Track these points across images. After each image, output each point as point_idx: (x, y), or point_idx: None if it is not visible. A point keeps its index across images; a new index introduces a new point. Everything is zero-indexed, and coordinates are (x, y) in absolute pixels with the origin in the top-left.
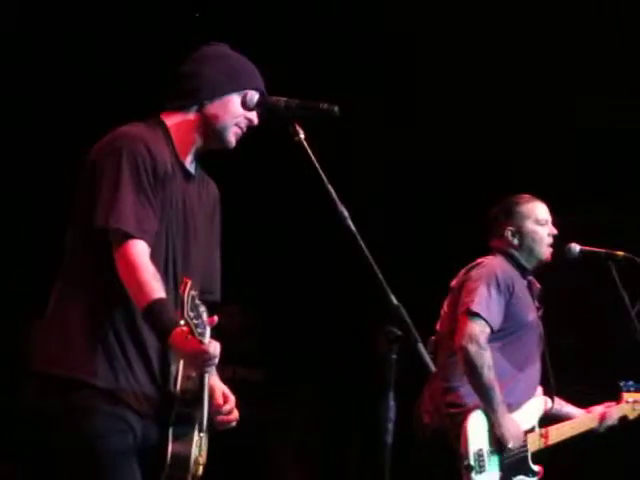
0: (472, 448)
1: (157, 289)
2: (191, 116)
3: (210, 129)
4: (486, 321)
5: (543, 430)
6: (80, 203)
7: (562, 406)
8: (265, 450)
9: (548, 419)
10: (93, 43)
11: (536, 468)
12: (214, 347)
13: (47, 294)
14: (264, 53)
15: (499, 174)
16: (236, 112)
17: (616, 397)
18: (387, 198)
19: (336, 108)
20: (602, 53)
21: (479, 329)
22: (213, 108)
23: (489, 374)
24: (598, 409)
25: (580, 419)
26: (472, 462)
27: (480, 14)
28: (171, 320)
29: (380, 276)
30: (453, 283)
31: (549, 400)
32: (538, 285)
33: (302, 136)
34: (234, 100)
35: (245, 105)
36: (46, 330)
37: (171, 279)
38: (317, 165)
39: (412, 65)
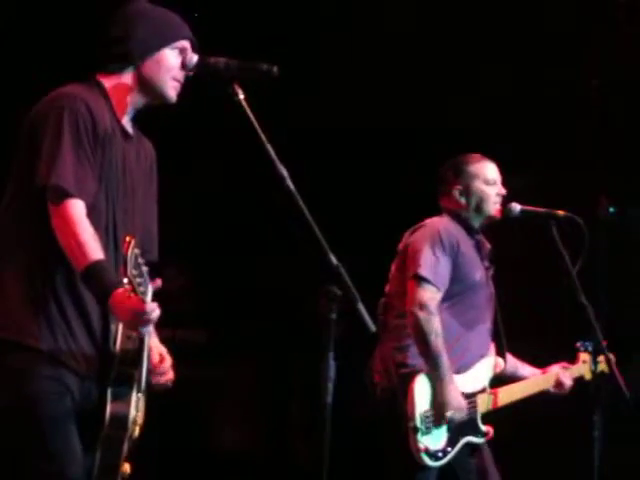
0: (418, 409)
1: (96, 250)
2: (128, 78)
3: (149, 88)
4: (435, 286)
5: (493, 391)
6: (19, 161)
7: (517, 367)
8: (205, 411)
9: (502, 380)
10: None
11: (484, 429)
12: (153, 307)
13: None
14: None
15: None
16: (170, 66)
17: (573, 357)
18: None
19: (275, 68)
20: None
21: (429, 295)
22: (147, 67)
23: (437, 341)
24: (553, 369)
25: (532, 380)
26: (418, 424)
27: None
28: (111, 281)
29: (320, 236)
30: (400, 246)
31: (501, 360)
32: (488, 245)
33: (242, 96)
34: (166, 54)
35: (184, 66)
36: None
37: (111, 239)
38: (256, 125)
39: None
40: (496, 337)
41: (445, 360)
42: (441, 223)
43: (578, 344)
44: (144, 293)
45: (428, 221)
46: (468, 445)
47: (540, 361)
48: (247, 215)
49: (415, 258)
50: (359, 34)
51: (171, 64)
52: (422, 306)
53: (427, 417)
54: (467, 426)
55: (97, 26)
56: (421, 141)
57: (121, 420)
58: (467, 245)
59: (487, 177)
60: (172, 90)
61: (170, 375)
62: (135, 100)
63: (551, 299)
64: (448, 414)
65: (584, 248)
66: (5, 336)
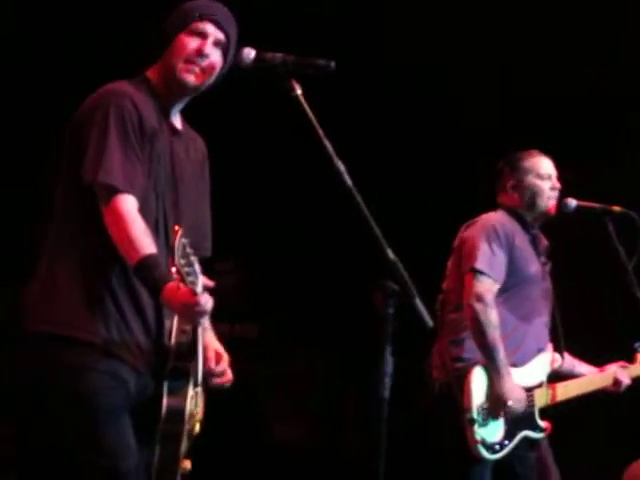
0: (475, 402)
1: (147, 244)
2: (160, 70)
3: (169, 77)
4: (492, 278)
5: (550, 386)
6: (68, 159)
7: (574, 365)
8: (259, 406)
9: (558, 376)
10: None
11: (543, 424)
12: (206, 299)
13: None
14: None
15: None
16: (182, 50)
17: (630, 356)
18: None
19: (332, 64)
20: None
21: (485, 287)
22: (167, 56)
23: (494, 333)
24: (611, 368)
25: (589, 378)
26: (475, 415)
27: None
28: (162, 276)
29: (377, 231)
30: (455, 242)
31: (559, 357)
32: (545, 242)
33: (299, 92)
34: (181, 39)
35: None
36: (37, 289)
37: (162, 234)
38: (314, 121)
39: None
40: (554, 333)
41: (502, 352)
42: (496, 217)
43: (636, 344)
44: (193, 283)
45: (483, 216)
46: (526, 440)
47: (596, 357)
48: (302, 211)
49: (471, 252)
50: None
51: (183, 48)
52: (479, 298)
53: (484, 409)
54: (525, 420)
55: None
56: (476, 141)
57: (178, 414)
58: (522, 239)
59: (540, 172)
60: (187, 74)
61: (228, 375)
62: (168, 91)
63: (607, 295)
64: (509, 403)
65: None
66: (60, 331)
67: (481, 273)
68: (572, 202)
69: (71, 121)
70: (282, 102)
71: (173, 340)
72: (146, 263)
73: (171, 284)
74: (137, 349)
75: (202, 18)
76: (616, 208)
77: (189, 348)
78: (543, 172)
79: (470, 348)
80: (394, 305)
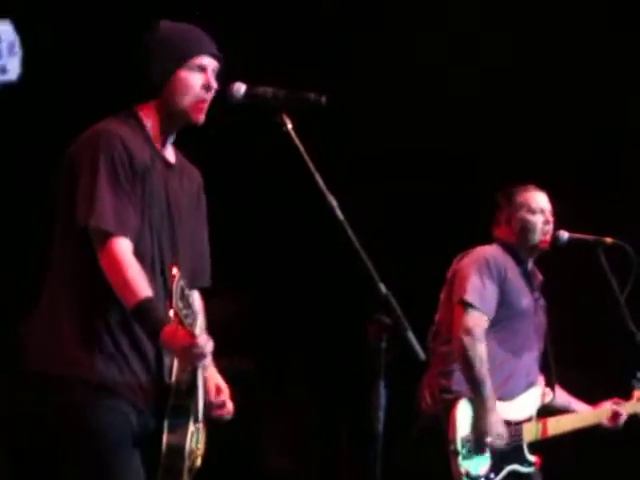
0: (459, 434)
1: (143, 287)
2: (156, 106)
3: (173, 113)
4: (482, 311)
5: (541, 421)
6: (61, 201)
7: (570, 402)
8: (253, 440)
9: (551, 411)
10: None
11: (532, 458)
12: (205, 340)
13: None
14: None
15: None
16: (188, 87)
17: (625, 392)
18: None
19: (323, 98)
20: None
21: (475, 321)
22: (168, 92)
23: (481, 367)
24: (605, 406)
25: (582, 413)
26: (459, 447)
27: None
28: (160, 319)
29: (369, 264)
30: (448, 273)
31: (549, 390)
32: (540, 277)
33: (290, 126)
34: (183, 76)
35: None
36: (38, 328)
37: (158, 272)
38: (305, 155)
39: None
40: (546, 367)
41: (489, 387)
42: (489, 250)
43: (633, 380)
44: (192, 325)
45: (477, 248)
46: (515, 474)
47: (589, 390)
48: (296, 244)
49: (462, 284)
50: None
51: (189, 85)
52: (468, 331)
53: (468, 442)
54: (512, 454)
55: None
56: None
57: (177, 450)
58: (515, 273)
59: (532, 206)
60: (196, 112)
61: (229, 408)
62: (167, 127)
63: (600, 327)
64: (488, 440)
65: (632, 275)
66: (63, 371)
67: (471, 306)
68: (564, 234)
69: (64, 160)
70: (274, 135)
71: (173, 378)
72: (143, 306)
73: (169, 326)
74: (138, 387)
75: (202, 53)
76: (608, 239)
77: (189, 386)
78: (535, 206)
79: (459, 380)
80: (387, 338)
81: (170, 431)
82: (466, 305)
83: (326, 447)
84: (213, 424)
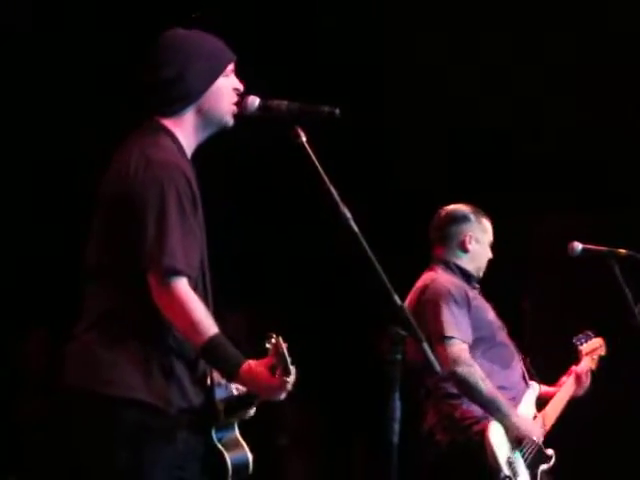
0: (502, 459)
1: (210, 325)
2: (191, 116)
3: (211, 120)
4: (461, 340)
5: (541, 415)
6: (114, 232)
7: (543, 390)
8: (266, 453)
9: (539, 404)
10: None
11: (550, 452)
12: (293, 380)
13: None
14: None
15: None
16: (227, 93)
17: (576, 358)
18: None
19: (337, 111)
20: None
21: (457, 348)
22: (207, 101)
23: (487, 386)
24: (567, 378)
25: (556, 396)
26: (507, 472)
27: None
28: (235, 355)
29: (383, 276)
30: (410, 300)
31: (536, 385)
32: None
33: (304, 139)
34: (221, 83)
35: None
36: (93, 349)
37: (201, 295)
38: (319, 167)
39: None
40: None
41: (502, 399)
42: (444, 279)
43: (574, 341)
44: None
45: (433, 281)
46: (542, 473)
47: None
48: (307, 259)
49: (437, 322)
50: None
51: (227, 91)
52: (457, 362)
53: (512, 463)
54: (538, 456)
55: (140, 69)
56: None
57: (244, 465)
58: (473, 293)
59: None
60: (231, 115)
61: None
62: (200, 137)
63: (614, 338)
64: (535, 439)
65: None
66: (116, 393)
67: (451, 339)
68: (578, 246)
69: (108, 187)
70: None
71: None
72: (213, 344)
73: (247, 365)
74: (191, 408)
75: (231, 60)
76: (622, 251)
77: (236, 404)
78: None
79: (470, 407)
80: (401, 351)
81: (226, 448)
82: (446, 339)
83: (342, 458)
84: None
